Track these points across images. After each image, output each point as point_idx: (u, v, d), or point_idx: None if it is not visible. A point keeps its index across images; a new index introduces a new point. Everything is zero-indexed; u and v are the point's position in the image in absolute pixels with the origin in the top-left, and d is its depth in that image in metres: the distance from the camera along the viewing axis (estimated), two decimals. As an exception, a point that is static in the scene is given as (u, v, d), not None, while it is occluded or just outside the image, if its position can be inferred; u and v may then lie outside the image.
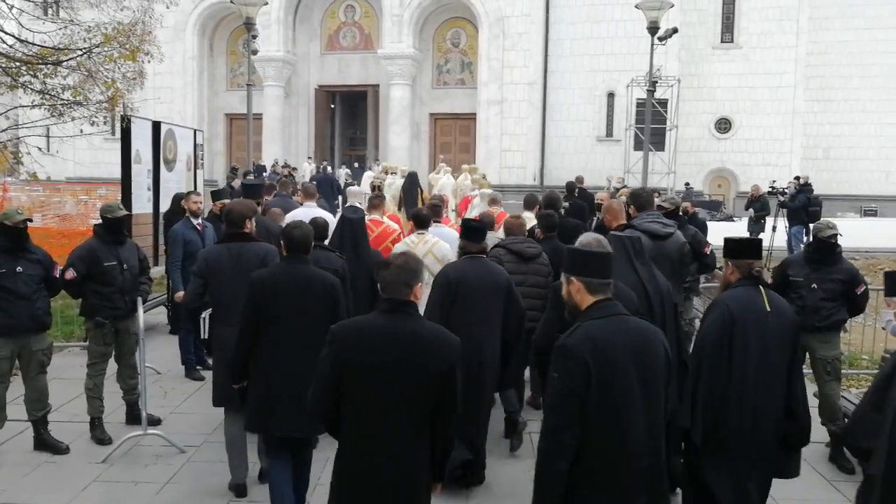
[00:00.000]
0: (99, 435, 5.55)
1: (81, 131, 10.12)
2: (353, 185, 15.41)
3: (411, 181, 13.25)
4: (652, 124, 16.56)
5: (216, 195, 7.97)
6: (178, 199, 8.06)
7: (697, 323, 4.98)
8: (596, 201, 10.39)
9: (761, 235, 15.15)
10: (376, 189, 13.03)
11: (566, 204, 9.34)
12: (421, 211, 6.93)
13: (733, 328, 3.54)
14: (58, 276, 5.44)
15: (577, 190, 12.02)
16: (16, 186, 14.53)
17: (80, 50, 9.39)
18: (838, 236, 5.53)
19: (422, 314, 4.35)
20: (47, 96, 9.63)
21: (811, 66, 27.41)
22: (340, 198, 18.21)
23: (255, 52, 18.73)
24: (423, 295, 5.10)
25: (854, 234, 11.53)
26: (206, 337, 5.41)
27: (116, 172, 9.51)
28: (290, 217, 6.67)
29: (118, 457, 5.27)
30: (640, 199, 5.83)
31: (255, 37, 16.48)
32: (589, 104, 26.73)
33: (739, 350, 3.53)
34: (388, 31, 27.21)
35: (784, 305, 3.73)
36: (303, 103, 29.64)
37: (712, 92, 26.83)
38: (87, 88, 9.67)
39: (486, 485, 4.92)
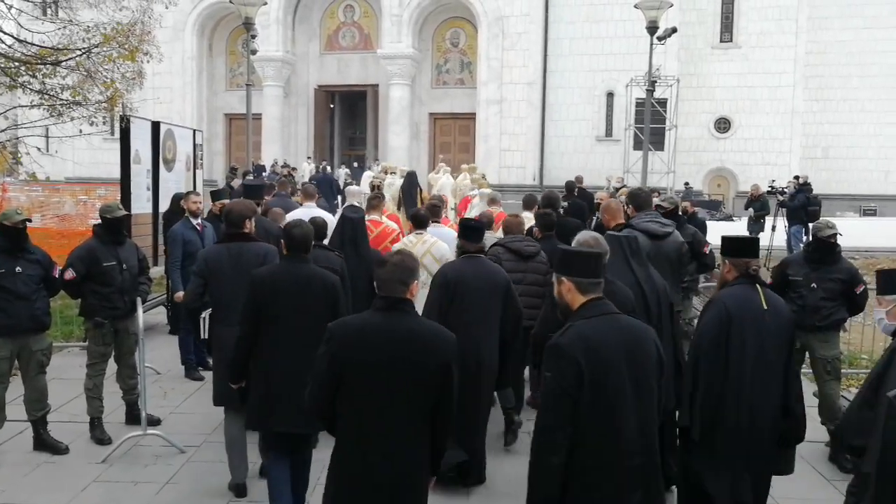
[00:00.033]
0: (98, 435, 5.55)
1: (80, 131, 10.11)
2: (352, 184, 15.42)
3: (410, 181, 13.26)
4: (651, 124, 16.56)
5: (215, 195, 7.96)
6: (177, 199, 8.06)
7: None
8: (595, 201, 10.40)
9: (761, 235, 15.18)
10: (375, 189, 13.01)
11: (565, 203, 9.35)
12: (419, 211, 6.94)
13: (730, 326, 3.55)
14: (57, 276, 5.43)
15: (576, 189, 12.02)
16: (15, 186, 14.52)
17: (79, 50, 9.38)
18: (838, 236, 5.54)
19: (420, 314, 4.38)
20: (46, 96, 9.63)
21: (810, 65, 27.42)
22: (340, 197, 18.21)
23: (254, 52, 18.71)
24: (421, 294, 5.15)
25: (853, 234, 11.54)
26: (206, 337, 5.41)
27: (116, 172, 9.51)
28: (290, 217, 6.67)
29: (118, 457, 5.26)
30: (639, 199, 5.86)
31: (254, 37, 16.46)
32: (588, 104, 26.73)
33: (736, 348, 3.54)
34: (387, 31, 27.21)
35: (780, 304, 3.74)
36: (302, 103, 29.64)
37: (711, 91, 26.84)
38: (87, 88, 9.66)
39: (486, 484, 4.92)
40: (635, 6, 15.48)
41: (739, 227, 16.52)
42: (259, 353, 4.05)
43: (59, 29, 9.99)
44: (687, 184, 25.47)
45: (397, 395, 2.82)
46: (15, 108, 10.55)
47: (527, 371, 6.22)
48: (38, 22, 11.15)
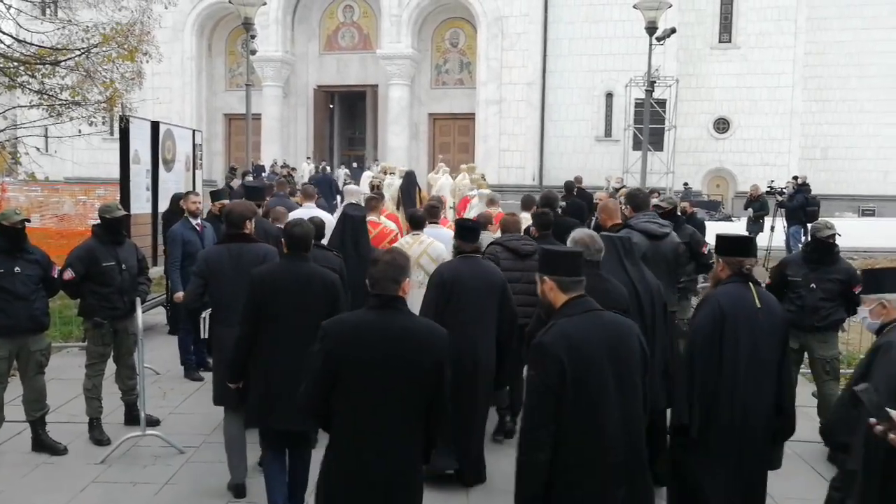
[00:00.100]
0: (97, 436, 5.55)
1: (80, 131, 10.11)
2: (351, 184, 15.41)
3: (409, 180, 13.25)
4: (650, 124, 16.57)
5: (215, 195, 7.96)
6: (176, 199, 8.06)
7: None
8: (594, 201, 10.40)
9: (760, 235, 15.19)
10: (375, 189, 13.02)
11: (563, 203, 9.35)
12: (416, 212, 6.96)
13: (724, 324, 3.56)
14: (56, 276, 5.43)
15: (575, 190, 12.02)
16: (14, 186, 14.51)
17: (79, 50, 9.39)
18: (836, 236, 5.54)
19: (417, 314, 4.39)
20: (45, 96, 9.63)
21: (809, 66, 27.44)
22: (339, 197, 18.21)
23: (253, 53, 18.69)
24: (418, 294, 5.16)
25: (852, 234, 11.55)
26: (206, 337, 5.42)
27: (115, 172, 9.51)
28: (289, 217, 6.68)
29: (117, 457, 5.26)
30: (637, 200, 5.91)
31: (253, 37, 16.46)
32: (587, 104, 26.74)
33: (730, 346, 3.55)
34: (386, 32, 27.21)
35: (774, 302, 3.76)
36: (301, 103, 29.63)
37: (710, 92, 26.87)
38: (86, 88, 9.67)
39: (486, 482, 4.92)
40: (634, 7, 15.49)
41: (738, 228, 16.52)
42: (259, 352, 4.06)
43: (58, 29, 10.00)
44: (686, 184, 25.48)
45: (391, 392, 2.84)
46: (14, 108, 10.56)
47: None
48: (38, 22, 11.16)
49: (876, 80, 28.01)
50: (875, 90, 28.03)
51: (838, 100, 28.42)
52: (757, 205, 15.88)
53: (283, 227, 4.90)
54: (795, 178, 19.05)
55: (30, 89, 9.57)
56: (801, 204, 15.05)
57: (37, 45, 9.69)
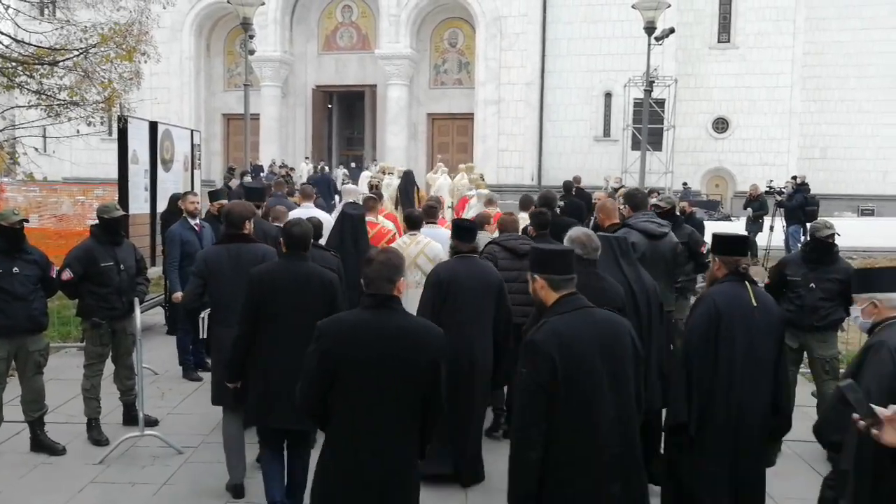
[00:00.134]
0: (96, 436, 5.54)
1: (78, 132, 10.09)
2: (349, 183, 15.42)
3: (407, 179, 13.28)
4: (649, 124, 16.58)
5: (213, 195, 7.95)
6: (174, 199, 8.05)
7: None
8: (593, 201, 10.40)
9: (759, 235, 15.21)
10: (374, 189, 13.02)
11: (562, 203, 9.35)
12: (413, 212, 6.97)
13: (719, 322, 3.56)
14: (54, 276, 5.42)
15: (574, 189, 12.02)
16: (12, 187, 14.46)
17: (77, 50, 9.37)
18: (836, 236, 5.54)
19: (415, 314, 4.40)
20: (44, 96, 9.61)
21: (808, 66, 27.46)
22: (337, 197, 18.21)
23: (252, 53, 18.66)
24: (416, 294, 5.16)
25: (851, 234, 11.54)
26: (205, 337, 5.42)
27: (113, 173, 9.50)
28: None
29: (115, 458, 5.25)
30: (635, 199, 5.97)
31: (252, 37, 16.44)
32: (586, 104, 26.74)
33: (725, 344, 3.56)
34: (385, 32, 27.20)
35: (770, 301, 3.77)
36: (300, 103, 29.62)
37: (709, 92, 26.88)
38: (84, 89, 9.64)
39: (484, 482, 4.92)
40: (633, 6, 15.51)
41: (738, 227, 16.53)
42: (258, 351, 4.08)
43: (56, 29, 9.98)
44: (685, 184, 25.48)
45: (388, 392, 2.84)
46: (12, 108, 10.55)
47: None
48: (36, 22, 11.11)
49: (875, 80, 28.03)
50: (874, 90, 28.05)
51: (837, 100, 28.43)
52: (756, 204, 15.89)
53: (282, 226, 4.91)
54: (794, 177, 19.04)
55: (28, 89, 9.55)
56: (800, 204, 15.06)
57: (35, 46, 9.67)
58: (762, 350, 3.58)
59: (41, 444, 5.36)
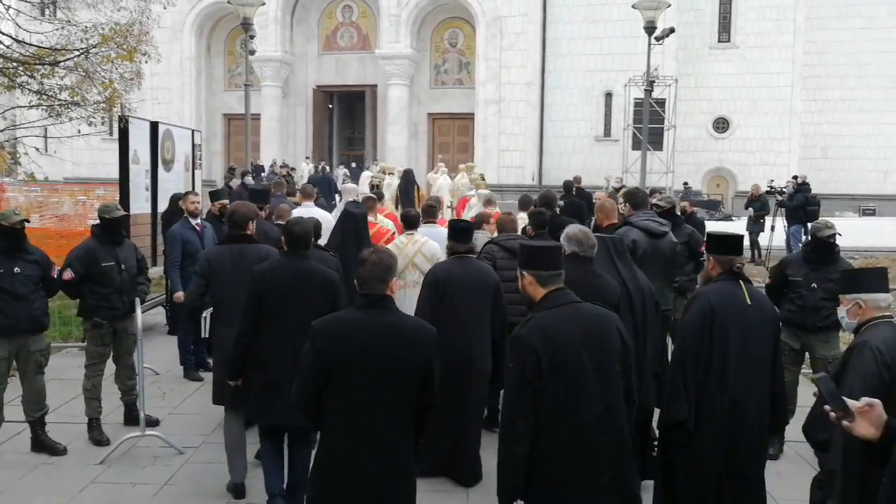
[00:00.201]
0: (97, 436, 5.54)
1: (79, 132, 10.10)
2: (348, 182, 15.43)
3: (407, 179, 13.30)
4: (650, 124, 16.58)
5: (214, 195, 7.97)
6: (175, 199, 8.06)
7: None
8: (593, 200, 10.40)
9: (761, 235, 15.21)
10: (375, 188, 13.03)
11: (562, 203, 9.35)
12: (409, 211, 6.99)
13: (713, 320, 3.58)
14: (55, 276, 5.42)
15: (574, 189, 12.03)
16: (13, 187, 14.51)
17: (78, 50, 9.38)
18: (837, 236, 5.54)
19: (413, 313, 4.41)
20: (45, 97, 9.63)
21: (808, 65, 27.45)
22: (337, 197, 18.23)
23: (252, 53, 18.69)
24: (413, 294, 5.16)
25: (852, 234, 11.54)
26: (207, 336, 5.43)
27: (114, 173, 9.51)
28: (288, 217, 6.69)
29: (116, 458, 5.25)
30: (636, 198, 5.99)
31: (252, 37, 16.46)
32: (587, 104, 26.74)
33: (719, 342, 3.57)
34: (385, 32, 27.20)
35: (764, 300, 3.79)
36: (301, 103, 29.62)
37: (710, 92, 26.87)
38: (85, 89, 9.66)
39: (484, 481, 4.92)
40: (633, 6, 15.50)
41: (739, 227, 16.52)
42: (260, 349, 4.10)
43: (57, 29, 9.99)
44: (686, 184, 25.49)
45: (382, 391, 2.87)
46: (13, 108, 10.56)
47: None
48: (37, 22, 11.13)
49: (875, 79, 28.02)
50: (874, 89, 28.04)
51: (837, 99, 28.43)
52: (758, 204, 15.89)
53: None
54: (795, 177, 19.05)
55: (29, 89, 9.56)
56: (801, 203, 15.06)
57: (36, 46, 9.68)
58: (756, 348, 3.60)
59: (42, 445, 5.36)
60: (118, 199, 8.33)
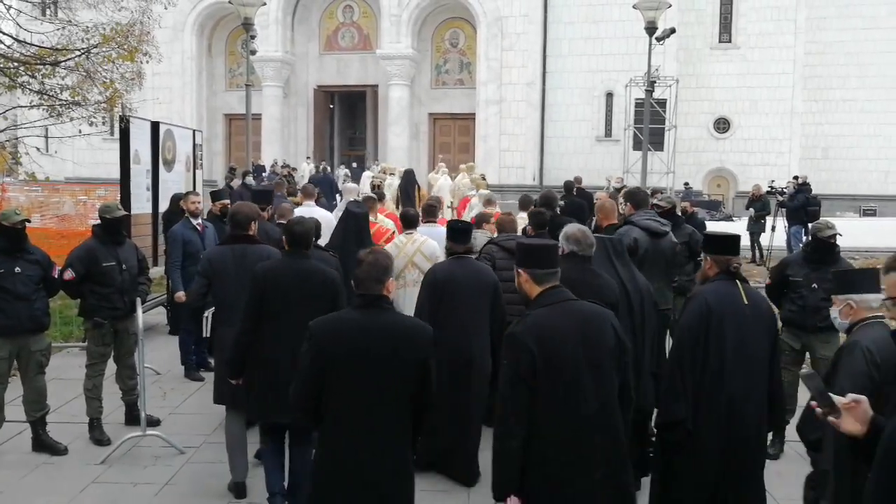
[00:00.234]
0: (98, 436, 5.54)
1: (80, 132, 10.11)
2: (349, 182, 15.43)
3: (408, 178, 13.30)
4: (650, 124, 16.57)
5: (215, 195, 7.97)
6: (176, 199, 8.06)
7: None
8: (594, 201, 10.40)
9: (762, 235, 15.20)
10: (376, 188, 13.04)
11: (562, 203, 9.35)
12: (408, 211, 6.99)
13: (710, 319, 3.58)
14: (56, 276, 5.43)
15: (575, 189, 12.03)
16: (14, 187, 14.53)
17: (79, 50, 9.39)
18: (837, 236, 5.54)
19: (413, 312, 4.41)
20: (46, 97, 9.63)
21: (809, 66, 27.43)
22: (338, 196, 18.24)
23: (253, 53, 18.71)
24: (413, 293, 5.16)
25: (853, 234, 11.54)
26: (208, 335, 5.44)
27: (115, 173, 9.51)
28: (289, 217, 6.70)
29: (117, 458, 5.26)
30: (637, 198, 5.99)
31: (253, 37, 16.47)
32: (587, 104, 26.74)
33: (716, 341, 3.57)
34: (386, 32, 27.20)
35: (761, 299, 3.79)
36: (301, 103, 29.63)
37: (710, 92, 26.85)
38: (86, 89, 9.67)
39: (484, 481, 4.92)
40: (634, 7, 15.49)
41: (739, 228, 16.51)
42: (261, 347, 4.12)
43: (58, 29, 10.00)
44: (687, 184, 25.49)
45: (382, 390, 2.88)
46: (14, 108, 10.56)
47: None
48: (37, 22, 11.14)
49: (876, 79, 27.99)
50: (875, 90, 28.01)
51: (838, 99, 28.40)
52: (759, 205, 15.88)
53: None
54: (796, 177, 19.05)
55: (30, 89, 9.57)
56: (802, 204, 15.05)
57: (37, 46, 9.69)
58: (753, 347, 3.60)
59: (43, 444, 5.36)
60: (119, 198, 8.33)
